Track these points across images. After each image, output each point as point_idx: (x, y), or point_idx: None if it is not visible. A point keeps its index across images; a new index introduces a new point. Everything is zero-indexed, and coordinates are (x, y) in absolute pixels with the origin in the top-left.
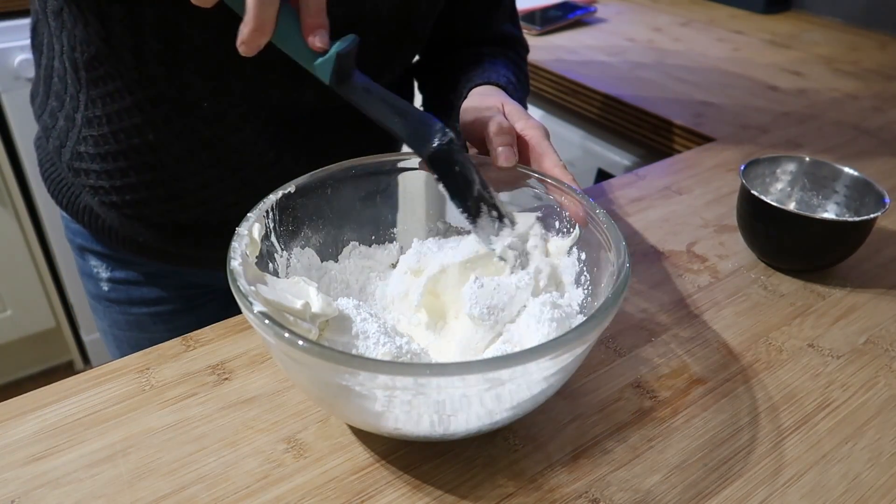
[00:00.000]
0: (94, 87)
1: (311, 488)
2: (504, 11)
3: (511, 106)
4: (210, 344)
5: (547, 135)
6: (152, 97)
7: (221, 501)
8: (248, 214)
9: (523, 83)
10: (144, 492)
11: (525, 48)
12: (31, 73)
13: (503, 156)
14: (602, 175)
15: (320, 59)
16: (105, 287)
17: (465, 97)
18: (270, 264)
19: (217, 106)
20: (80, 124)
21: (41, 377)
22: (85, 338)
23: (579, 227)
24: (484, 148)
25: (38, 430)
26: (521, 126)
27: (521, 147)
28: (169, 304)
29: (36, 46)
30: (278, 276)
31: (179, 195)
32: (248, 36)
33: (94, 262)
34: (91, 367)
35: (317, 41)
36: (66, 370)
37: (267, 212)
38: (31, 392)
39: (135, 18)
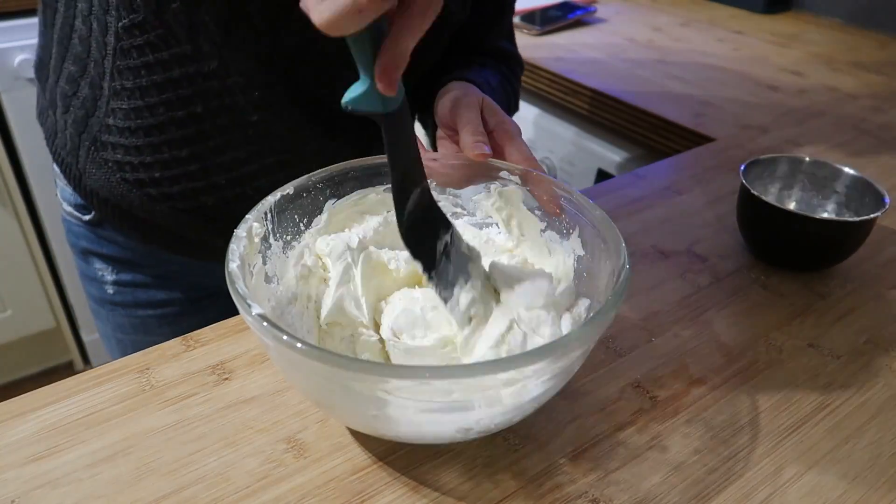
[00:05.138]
0: (124, 57)
1: (311, 488)
2: (503, 29)
3: (489, 100)
4: (210, 344)
5: (519, 132)
6: (205, 72)
7: (221, 501)
8: (247, 216)
9: (509, 94)
10: (144, 492)
11: (520, 66)
12: (31, 73)
13: (478, 148)
14: (602, 175)
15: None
16: (110, 290)
17: (439, 92)
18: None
19: (266, 95)
20: (108, 95)
21: (41, 377)
22: (85, 338)
23: (557, 213)
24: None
25: (38, 430)
26: (494, 121)
27: (494, 142)
28: (175, 305)
29: (47, 3)
30: (278, 277)
31: (214, 172)
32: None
33: (98, 265)
34: (91, 367)
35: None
36: (66, 370)
37: (265, 213)
38: (31, 392)
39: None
